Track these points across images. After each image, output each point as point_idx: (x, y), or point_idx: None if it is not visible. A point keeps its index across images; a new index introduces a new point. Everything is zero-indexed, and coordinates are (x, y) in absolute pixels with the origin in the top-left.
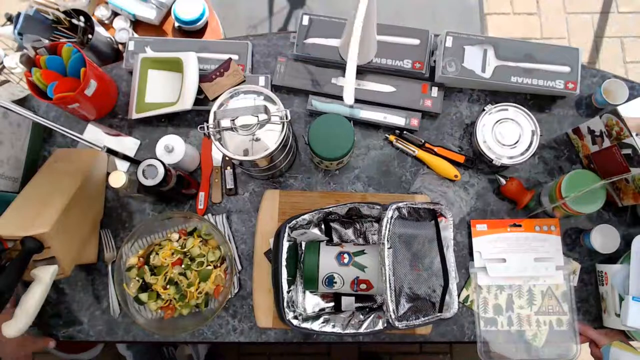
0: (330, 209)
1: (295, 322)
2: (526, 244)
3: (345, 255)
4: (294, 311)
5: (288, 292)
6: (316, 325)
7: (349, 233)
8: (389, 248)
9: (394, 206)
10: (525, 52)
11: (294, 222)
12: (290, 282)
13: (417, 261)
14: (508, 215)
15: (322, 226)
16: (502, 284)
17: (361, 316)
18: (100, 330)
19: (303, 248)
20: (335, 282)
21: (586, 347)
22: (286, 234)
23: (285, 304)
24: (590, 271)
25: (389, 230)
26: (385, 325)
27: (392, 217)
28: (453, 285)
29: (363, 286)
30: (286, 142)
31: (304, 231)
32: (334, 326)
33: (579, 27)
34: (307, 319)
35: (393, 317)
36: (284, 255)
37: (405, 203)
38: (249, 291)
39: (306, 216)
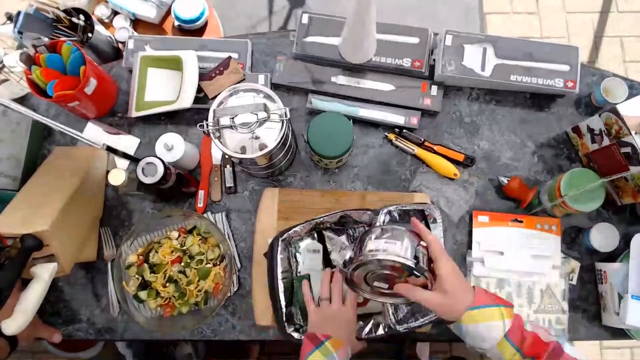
0: (321, 219)
1: (296, 335)
2: (525, 240)
3: None
4: (294, 324)
5: (286, 307)
6: None
7: (343, 239)
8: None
9: (385, 210)
10: (525, 51)
11: (286, 235)
12: (288, 298)
13: None
14: None
15: (315, 235)
16: (501, 277)
17: (361, 322)
18: (100, 329)
19: (296, 261)
20: None
21: (580, 346)
22: (279, 248)
23: (285, 318)
24: (590, 270)
25: None
26: (386, 330)
27: (384, 221)
28: None
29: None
30: (285, 140)
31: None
32: None
33: (578, 26)
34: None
35: (393, 320)
36: (279, 269)
37: (395, 206)
38: (249, 289)
39: (297, 228)
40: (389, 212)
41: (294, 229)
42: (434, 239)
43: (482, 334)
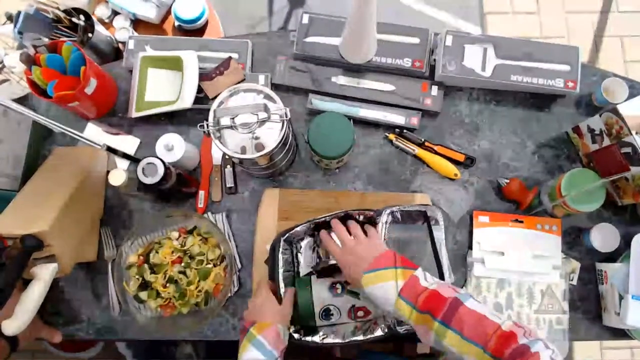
0: (323, 219)
1: (296, 335)
2: (526, 240)
3: (338, 285)
4: (296, 325)
5: None
6: (317, 338)
7: None
8: None
9: (388, 211)
10: (525, 51)
11: (288, 235)
12: None
13: (417, 263)
14: None
15: (316, 234)
16: (501, 277)
17: (359, 324)
18: (100, 329)
19: (297, 270)
20: (332, 315)
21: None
22: (281, 248)
23: None
24: (590, 270)
25: (384, 236)
26: (386, 331)
27: (386, 222)
28: None
29: (360, 313)
30: (286, 140)
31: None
32: (335, 337)
33: (578, 26)
34: (308, 332)
35: (393, 321)
36: (281, 270)
37: (397, 207)
38: (249, 289)
39: (299, 228)
40: (392, 213)
41: (296, 228)
42: (327, 244)
43: (379, 295)
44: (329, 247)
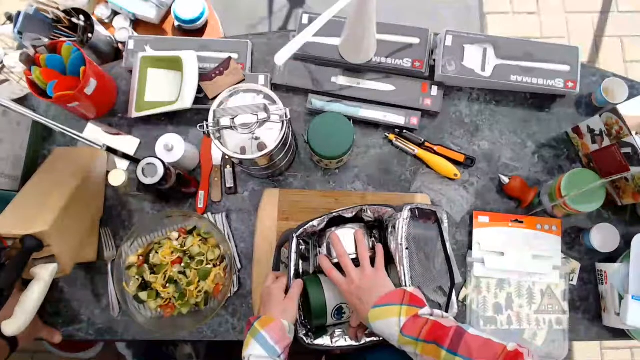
0: (339, 213)
1: (307, 340)
2: (526, 240)
3: None
4: (306, 327)
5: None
6: (329, 340)
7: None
8: (406, 249)
9: (409, 207)
10: (525, 51)
11: (301, 230)
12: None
13: (429, 261)
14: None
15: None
16: (501, 278)
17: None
18: (100, 329)
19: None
20: (344, 313)
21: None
22: (294, 246)
23: (297, 321)
24: (590, 270)
25: (405, 231)
26: None
27: (407, 217)
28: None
29: None
30: (286, 140)
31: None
32: (347, 339)
33: (578, 26)
34: (319, 333)
35: None
36: (292, 269)
37: (415, 205)
38: (249, 290)
39: (315, 222)
40: (411, 210)
41: (311, 222)
42: (330, 275)
43: (383, 330)
44: (332, 278)
